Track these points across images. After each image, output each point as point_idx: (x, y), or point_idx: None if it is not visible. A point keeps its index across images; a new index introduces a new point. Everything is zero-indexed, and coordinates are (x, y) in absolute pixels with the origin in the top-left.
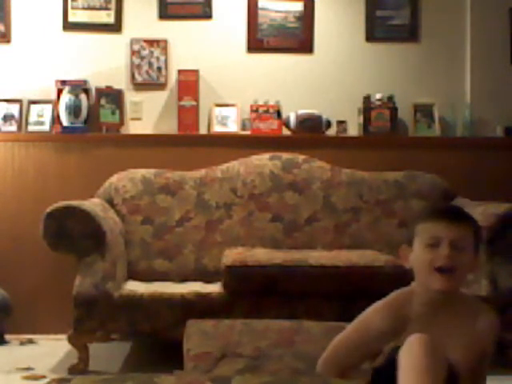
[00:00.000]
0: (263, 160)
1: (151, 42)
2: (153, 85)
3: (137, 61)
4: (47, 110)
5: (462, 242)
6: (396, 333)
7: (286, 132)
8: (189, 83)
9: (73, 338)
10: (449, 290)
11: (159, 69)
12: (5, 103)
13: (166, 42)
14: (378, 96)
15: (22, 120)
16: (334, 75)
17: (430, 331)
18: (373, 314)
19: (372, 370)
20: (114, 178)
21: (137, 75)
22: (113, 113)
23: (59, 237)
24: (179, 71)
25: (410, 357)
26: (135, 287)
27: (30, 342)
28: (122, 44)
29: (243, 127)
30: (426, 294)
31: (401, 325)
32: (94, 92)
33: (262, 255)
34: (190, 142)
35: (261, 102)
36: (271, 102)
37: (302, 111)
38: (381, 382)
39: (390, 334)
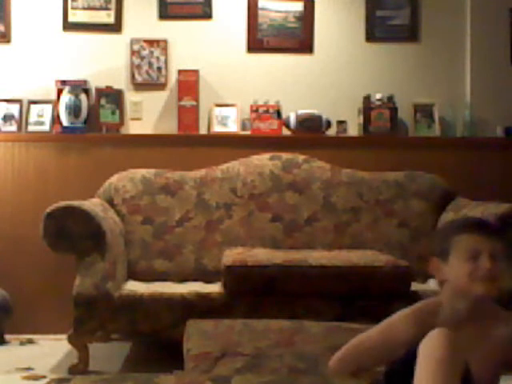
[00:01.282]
0: (263, 160)
1: (151, 42)
2: (153, 85)
3: (137, 61)
4: (47, 109)
5: (500, 253)
6: (421, 341)
7: (286, 132)
8: (189, 83)
9: (73, 337)
10: (491, 296)
11: (159, 69)
12: (5, 103)
13: (165, 42)
14: (377, 96)
15: (22, 120)
16: (334, 75)
17: None
18: (399, 320)
19: (389, 364)
20: (114, 178)
21: (137, 75)
22: (113, 113)
23: (59, 237)
24: (179, 71)
25: (431, 348)
26: (135, 287)
27: (30, 342)
28: (122, 44)
29: (243, 127)
30: (454, 308)
31: (428, 331)
32: (93, 92)
33: (261, 255)
34: (190, 141)
35: (261, 102)
36: (271, 102)
37: (301, 111)
38: (395, 375)
39: (414, 341)
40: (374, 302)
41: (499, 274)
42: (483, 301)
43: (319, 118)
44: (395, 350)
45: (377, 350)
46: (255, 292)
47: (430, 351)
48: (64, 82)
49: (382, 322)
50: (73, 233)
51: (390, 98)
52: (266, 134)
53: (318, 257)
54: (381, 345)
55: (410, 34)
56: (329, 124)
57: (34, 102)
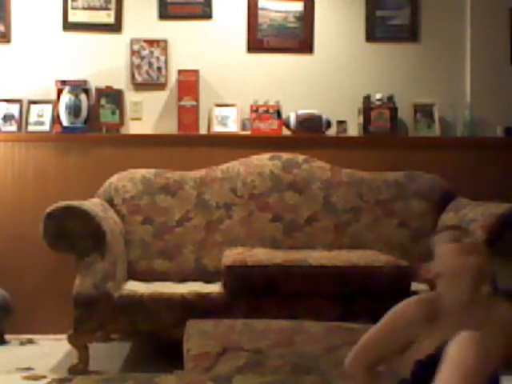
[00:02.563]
0: (263, 160)
1: (151, 42)
2: (153, 85)
3: (137, 61)
4: (47, 109)
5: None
6: (430, 322)
7: (286, 132)
8: (189, 83)
9: (73, 337)
10: (483, 264)
11: (159, 69)
12: (5, 103)
13: (165, 42)
14: (377, 96)
15: (22, 120)
16: (334, 75)
17: (463, 326)
18: (405, 306)
19: (416, 363)
20: (114, 178)
21: (137, 75)
22: (113, 113)
23: (59, 237)
24: (179, 71)
25: (463, 354)
26: (135, 287)
27: (30, 342)
28: (122, 44)
29: (243, 127)
30: (455, 292)
31: (433, 315)
32: (93, 92)
33: (262, 255)
34: (190, 141)
35: (261, 102)
36: (271, 102)
37: (301, 111)
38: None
39: (423, 321)
40: (374, 302)
41: (482, 249)
42: (480, 272)
43: (319, 118)
44: (407, 335)
45: (388, 339)
46: (255, 292)
47: (461, 357)
48: (64, 82)
49: (385, 316)
50: (73, 233)
51: (390, 98)
52: (265, 134)
53: (317, 257)
54: (391, 333)
55: (410, 34)
56: (329, 124)
57: (34, 102)
